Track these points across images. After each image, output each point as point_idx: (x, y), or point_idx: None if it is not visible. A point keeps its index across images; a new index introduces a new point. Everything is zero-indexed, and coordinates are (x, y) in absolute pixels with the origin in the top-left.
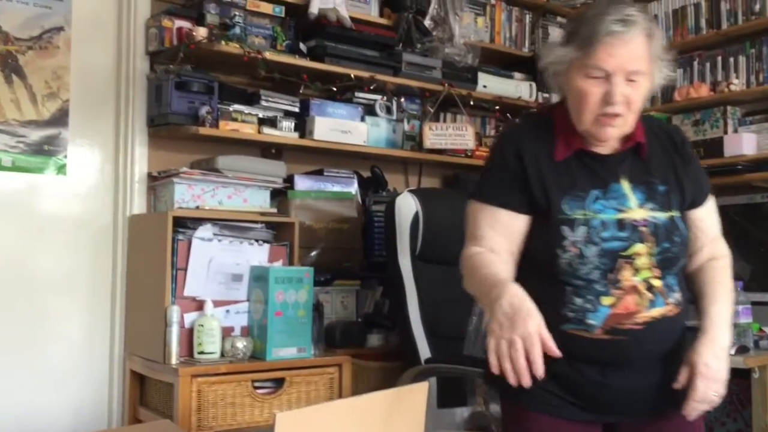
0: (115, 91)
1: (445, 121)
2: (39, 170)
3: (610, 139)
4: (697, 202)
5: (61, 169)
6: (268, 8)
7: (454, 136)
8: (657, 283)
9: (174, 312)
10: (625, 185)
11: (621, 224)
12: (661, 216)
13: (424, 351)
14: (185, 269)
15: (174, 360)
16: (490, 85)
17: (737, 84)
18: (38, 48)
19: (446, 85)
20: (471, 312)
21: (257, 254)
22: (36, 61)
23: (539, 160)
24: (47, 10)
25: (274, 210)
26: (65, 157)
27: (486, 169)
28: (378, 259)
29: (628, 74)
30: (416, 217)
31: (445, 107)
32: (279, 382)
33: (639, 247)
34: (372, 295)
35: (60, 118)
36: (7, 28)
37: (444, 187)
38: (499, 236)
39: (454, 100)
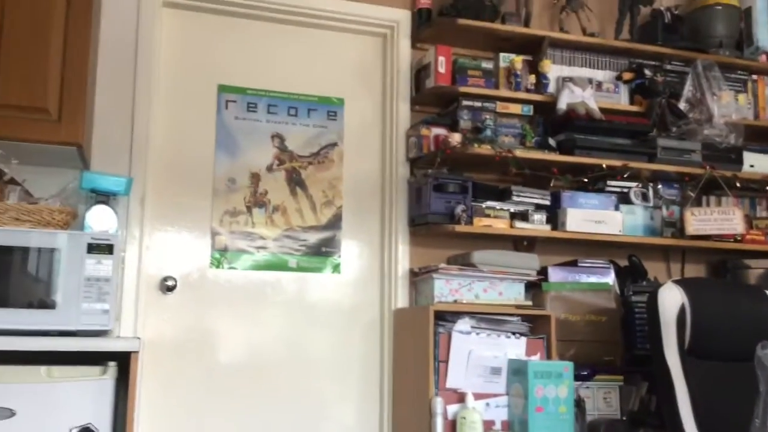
0: (380, 195)
1: (708, 205)
2: (318, 269)
3: None
4: None
5: (336, 267)
6: (516, 108)
7: (720, 220)
8: None
9: (438, 403)
10: None
11: None
12: None
13: None
14: (446, 361)
15: None
16: (757, 163)
17: None
18: (317, 162)
19: (708, 167)
20: (753, 413)
21: (514, 347)
22: (315, 174)
23: None
24: (324, 129)
25: (529, 303)
26: (339, 256)
27: None
28: (641, 353)
29: None
30: (682, 309)
31: (708, 190)
32: None
33: None
34: (636, 392)
35: (335, 223)
36: (292, 148)
37: (711, 275)
38: None
39: (717, 183)
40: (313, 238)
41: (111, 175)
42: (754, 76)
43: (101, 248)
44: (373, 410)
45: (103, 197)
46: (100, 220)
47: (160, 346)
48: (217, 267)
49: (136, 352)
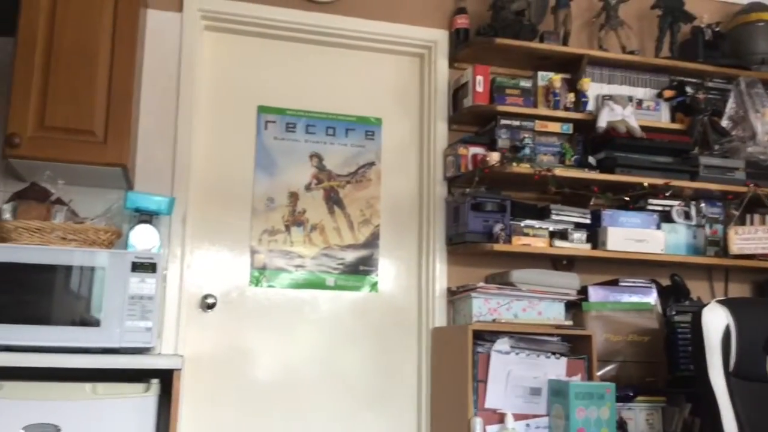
0: (417, 214)
1: (752, 223)
2: (355, 288)
3: None
4: None
5: (374, 286)
6: (555, 127)
7: (765, 239)
8: None
9: (477, 424)
10: None
11: None
12: None
13: None
14: (485, 381)
15: None
16: None
17: None
18: (355, 181)
19: (751, 185)
20: None
21: (555, 368)
22: (353, 193)
23: None
24: (362, 149)
25: (570, 322)
26: (377, 275)
27: None
28: (684, 374)
29: None
30: (727, 330)
31: (752, 209)
32: None
33: None
34: (680, 413)
35: (372, 241)
36: (331, 167)
37: (756, 294)
38: None
39: (761, 201)
40: (351, 256)
41: (154, 194)
42: None
43: (144, 267)
44: (410, 430)
45: (146, 216)
46: (143, 239)
47: (200, 363)
48: (256, 285)
49: (179, 370)
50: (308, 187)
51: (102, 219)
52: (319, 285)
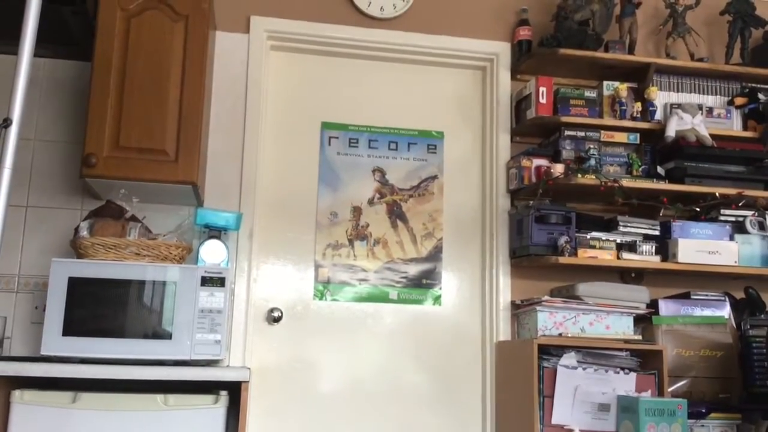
0: (480, 227)
1: None
2: (419, 301)
3: None
4: None
5: (437, 299)
6: (622, 137)
7: None
8: None
9: None
10: None
11: None
12: None
13: None
14: (551, 396)
15: None
16: None
17: None
18: (417, 195)
19: None
20: None
21: (623, 383)
22: (416, 207)
23: None
24: (424, 163)
25: (639, 337)
26: (440, 288)
27: None
28: (761, 390)
29: None
30: None
31: None
32: None
33: None
34: (756, 430)
35: (435, 255)
36: (393, 181)
37: None
38: None
39: None
40: (414, 270)
41: (222, 211)
42: None
43: (214, 281)
44: None
45: (215, 232)
46: (212, 253)
47: (267, 375)
48: (320, 299)
49: (247, 382)
50: (371, 202)
51: (174, 235)
52: (383, 298)
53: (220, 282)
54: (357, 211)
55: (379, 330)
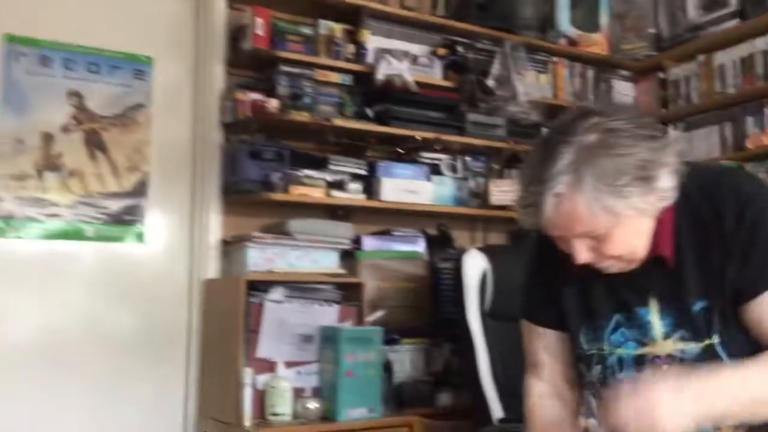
0: (191, 161)
1: (511, 177)
2: (119, 239)
3: (612, 271)
4: (754, 292)
5: (140, 236)
6: (336, 78)
7: None
8: None
9: (247, 374)
10: (653, 308)
11: (640, 362)
12: (694, 348)
13: (497, 410)
14: (257, 331)
15: (247, 422)
16: None
17: None
18: (121, 124)
19: (511, 142)
20: None
21: (327, 315)
22: (119, 137)
23: (559, 274)
24: (129, 89)
25: (343, 271)
26: (143, 225)
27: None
28: (447, 317)
29: (580, 236)
30: (484, 274)
31: (511, 164)
32: None
33: None
34: (441, 354)
35: (140, 189)
36: (92, 107)
37: (510, 242)
38: (558, 363)
39: (519, 157)
40: (116, 205)
41: None
42: (555, 59)
43: None
44: (177, 386)
45: None
46: None
47: None
48: (1, 236)
49: None
50: (65, 129)
51: None
52: (77, 236)
53: None
54: (48, 138)
55: (75, 271)
